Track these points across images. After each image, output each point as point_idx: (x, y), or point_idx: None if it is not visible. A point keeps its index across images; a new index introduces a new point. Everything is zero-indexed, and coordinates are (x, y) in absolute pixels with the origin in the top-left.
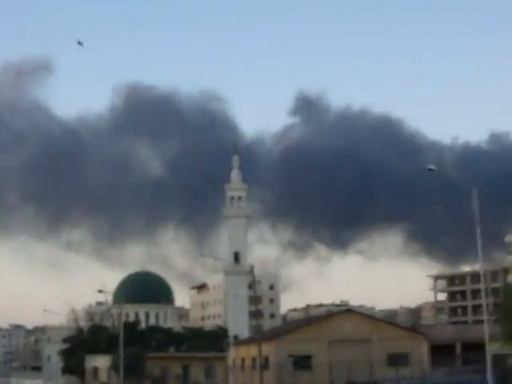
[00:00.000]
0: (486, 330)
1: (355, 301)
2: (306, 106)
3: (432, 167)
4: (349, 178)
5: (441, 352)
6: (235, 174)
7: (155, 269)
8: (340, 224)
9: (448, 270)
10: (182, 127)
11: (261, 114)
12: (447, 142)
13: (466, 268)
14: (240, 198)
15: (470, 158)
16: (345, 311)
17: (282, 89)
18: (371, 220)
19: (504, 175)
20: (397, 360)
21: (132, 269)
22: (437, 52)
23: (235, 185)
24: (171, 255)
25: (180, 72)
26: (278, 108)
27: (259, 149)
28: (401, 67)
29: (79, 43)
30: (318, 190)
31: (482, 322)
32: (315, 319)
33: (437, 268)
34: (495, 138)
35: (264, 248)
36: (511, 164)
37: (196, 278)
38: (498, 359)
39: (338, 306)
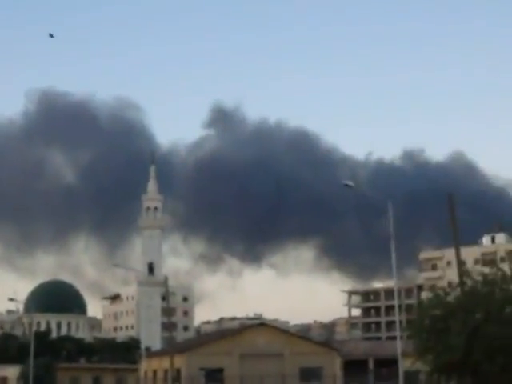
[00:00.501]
0: (399, 346)
1: (269, 314)
2: (222, 118)
3: (348, 183)
4: (263, 191)
5: (354, 367)
6: (152, 185)
7: (67, 278)
8: (253, 237)
9: (362, 286)
10: (96, 135)
11: (177, 125)
12: (361, 158)
13: (377, 284)
14: (156, 208)
15: (384, 174)
16: (258, 325)
17: (198, 100)
18: (285, 234)
19: (416, 192)
20: (309, 375)
21: (43, 278)
22: (351, 67)
23: (151, 195)
24: (83, 264)
25: (96, 80)
26: (194, 119)
27: (174, 160)
28: (317, 81)
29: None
30: (232, 203)
31: (395, 338)
32: (228, 332)
33: (349, 283)
34: (408, 154)
35: (177, 260)
36: (424, 181)
37: (108, 289)
38: (410, 375)
39: (251, 319)
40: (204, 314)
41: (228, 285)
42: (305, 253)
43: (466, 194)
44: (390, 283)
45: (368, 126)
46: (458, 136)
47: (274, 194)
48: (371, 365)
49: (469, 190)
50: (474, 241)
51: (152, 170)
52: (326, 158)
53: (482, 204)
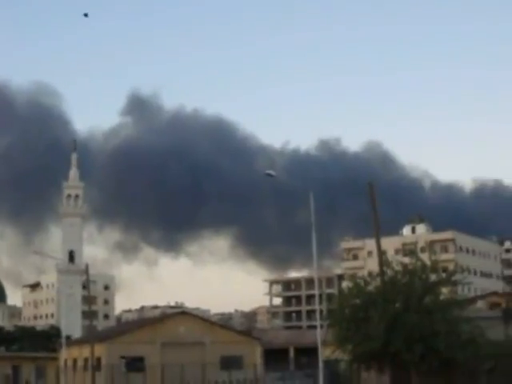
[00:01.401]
0: (319, 335)
1: (190, 303)
2: (138, 106)
3: (270, 172)
4: (180, 179)
5: (274, 356)
6: (73, 172)
7: None
8: (170, 226)
9: (280, 276)
10: (13, 120)
11: (95, 112)
12: (278, 147)
13: (294, 274)
14: (77, 196)
15: (300, 163)
16: (179, 313)
17: (115, 87)
18: (202, 223)
19: (333, 182)
20: (230, 363)
21: None
22: (269, 57)
23: (72, 183)
24: None
25: (13, 65)
26: (112, 106)
27: (91, 147)
28: (233, 70)
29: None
30: (148, 191)
31: (315, 327)
32: (149, 321)
33: (265, 273)
34: (324, 144)
35: (96, 248)
36: (340, 171)
37: (25, 277)
38: (330, 364)
39: (173, 307)
40: (125, 303)
41: (146, 273)
42: (222, 242)
43: (383, 184)
44: (311, 272)
45: (285, 115)
46: (374, 126)
47: (190, 183)
48: (292, 354)
49: (386, 180)
50: (395, 231)
51: (73, 157)
52: (243, 146)
53: (398, 194)
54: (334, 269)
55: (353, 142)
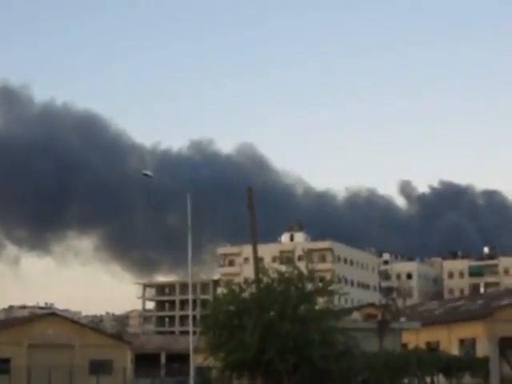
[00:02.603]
0: (191, 341)
1: (61, 304)
2: (7, 97)
3: (147, 173)
4: (47, 175)
5: (146, 361)
6: None
7: None
8: (35, 224)
9: (157, 279)
10: None
11: None
12: (149, 146)
13: (160, 278)
14: None
15: (171, 164)
16: (48, 314)
17: None
18: (68, 222)
19: (206, 184)
20: (99, 367)
21: None
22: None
23: None
24: None
25: None
26: None
27: None
28: (105, 64)
29: None
30: (14, 187)
31: (188, 333)
32: (16, 321)
33: (131, 276)
34: (196, 145)
35: None
36: (212, 172)
37: None
38: (201, 371)
39: (42, 308)
40: None
41: (10, 272)
42: (88, 242)
43: (256, 188)
44: (185, 277)
45: (156, 114)
46: (247, 128)
47: (58, 179)
48: (163, 359)
49: (259, 185)
50: (274, 238)
51: None
52: (114, 144)
53: (271, 200)
54: (200, 275)
55: (225, 143)
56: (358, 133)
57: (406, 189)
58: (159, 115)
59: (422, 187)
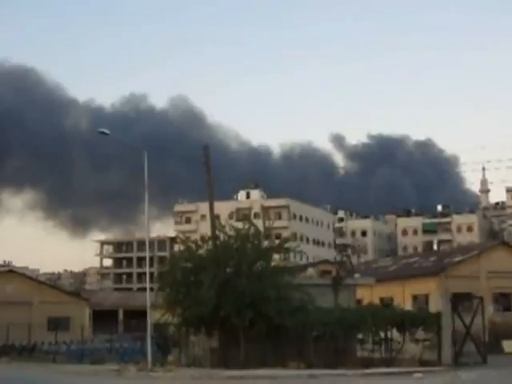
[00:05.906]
0: (148, 297)
1: (19, 261)
2: None
3: (104, 130)
4: None
5: (103, 318)
6: None
7: None
8: None
9: (115, 236)
10: None
11: None
12: (83, 102)
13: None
14: None
15: (105, 120)
16: (6, 272)
17: None
18: (2, 179)
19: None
20: (57, 324)
21: None
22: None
23: None
24: None
25: None
26: None
27: None
28: (41, 17)
29: None
30: None
31: (145, 289)
32: None
33: (65, 234)
34: (130, 99)
35: None
36: (148, 128)
37: None
38: (159, 327)
39: (0, 266)
40: None
41: None
42: (25, 199)
43: (190, 143)
44: (143, 234)
45: (93, 70)
46: (181, 81)
47: None
48: (121, 316)
49: (194, 140)
50: (229, 196)
51: None
52: (49, 98)
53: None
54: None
55: (160, 98)
56: (292, 89)
57: (339, 142)
58: (95, 70)
59: (355, 140)
